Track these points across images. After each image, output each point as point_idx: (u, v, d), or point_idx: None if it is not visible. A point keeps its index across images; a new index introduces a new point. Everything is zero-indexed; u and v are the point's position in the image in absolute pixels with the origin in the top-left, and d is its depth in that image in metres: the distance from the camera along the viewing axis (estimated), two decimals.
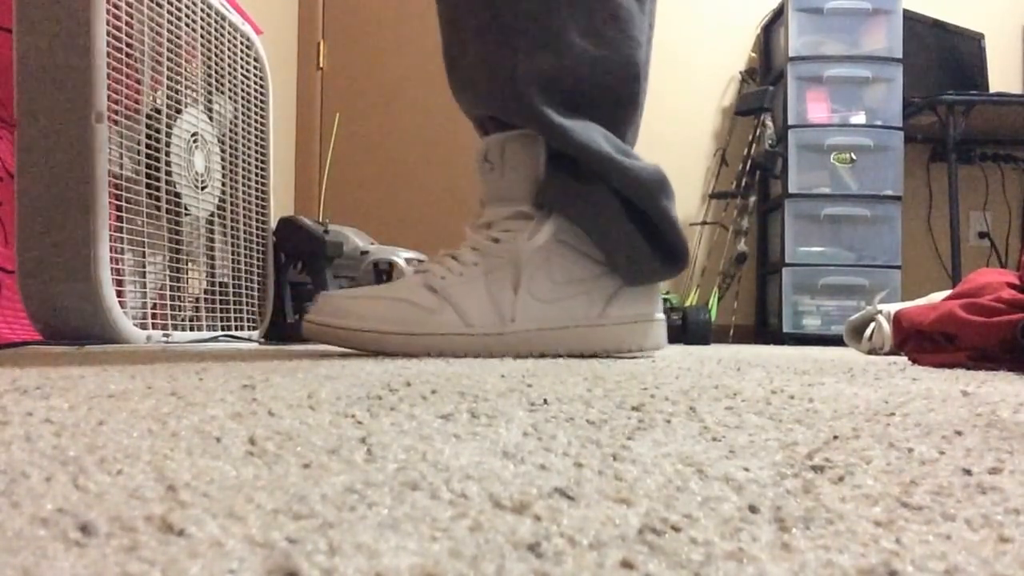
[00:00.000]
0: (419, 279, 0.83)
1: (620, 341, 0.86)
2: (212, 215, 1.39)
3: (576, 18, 0.82)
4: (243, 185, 1.50)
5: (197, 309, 1.35)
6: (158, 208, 1.22)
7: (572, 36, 0.82)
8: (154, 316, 1.22)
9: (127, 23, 1.14)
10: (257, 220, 1.56)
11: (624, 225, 0.83)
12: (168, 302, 1.25)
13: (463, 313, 0.81)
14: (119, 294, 1.11)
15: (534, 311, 0.83)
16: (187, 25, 1.31)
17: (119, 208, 1.12)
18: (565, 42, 0.81)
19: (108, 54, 1.09)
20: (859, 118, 2.71)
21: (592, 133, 0.82)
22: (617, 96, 0.86)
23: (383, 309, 0.80)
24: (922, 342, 0.95)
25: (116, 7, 1.11)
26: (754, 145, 2.83)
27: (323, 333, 0.81)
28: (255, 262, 1.54)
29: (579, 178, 0.83)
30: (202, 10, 1.35)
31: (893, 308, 1.22)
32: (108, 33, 1.09)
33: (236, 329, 1.45)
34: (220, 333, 1.38)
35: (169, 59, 1.25)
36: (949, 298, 0.97)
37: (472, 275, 0.82)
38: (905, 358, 1.00)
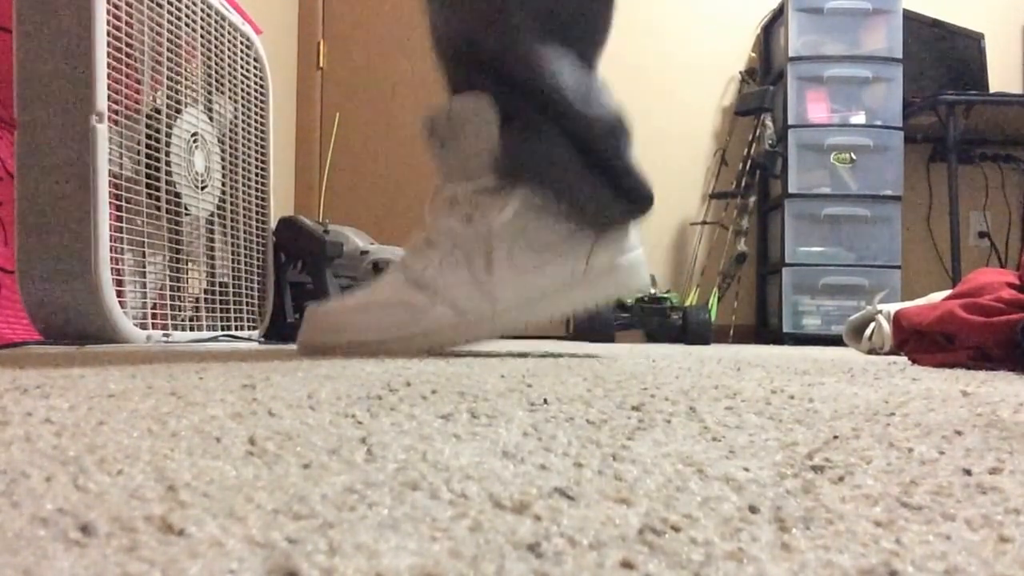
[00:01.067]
0: (401, 277, 0.81)
1: (607, 289, 0.85)
2: (212, 215, 1.39)
3: None
4: (243, 185, 1.50)
5: (197, 309, 1.35)
6: (158, 208, 1.22)
7: None
8: (154, 316, 1.22)
9: (127, 23, 1.14)
10: (257, 220, 1.56)
11: (587, 176, 0.81)
12: (168, 302, 1.25)
13: (454, 303, 0.80)
14: (119, 294, 1.11)
15: (520, 283, 0.82)
16: (187, 25, 1.31)
17: (119, 208, 1.12)
18: None
19: (108, 54, 1.09)
20: (859, 118, 2.72)
21: (562, 65, 0.79)
22: (593, 17, 0.83)
23: (377, 317, 0.79)
24: (922, 342, 0.95)
25: (116, 7, 1.11)
26: (754, 145, 2.83)
27: (322, 351, 0.79)
28: (255, 262, 1.54)
29: (532, 133, 0.80)
30: (202, 10, 1.35)
31: (893, 308, 1.22)
32: (108, 33, 1.09)
33: (236, 329, 1.45)
34: (220, 333, 1.38)
35: (169, 59, 1.25)
36: (949, 298, 0.97)
37: (452, 262, 0.81)
38: (905, 358, 1.00)
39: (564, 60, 0.80)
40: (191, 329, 1.31)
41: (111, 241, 1.09)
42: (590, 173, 0.81)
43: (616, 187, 0.83)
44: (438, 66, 0.85)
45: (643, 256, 0.88)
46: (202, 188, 1.34)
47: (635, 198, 0.84)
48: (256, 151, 1.56)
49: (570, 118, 0.79)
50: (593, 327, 2.40)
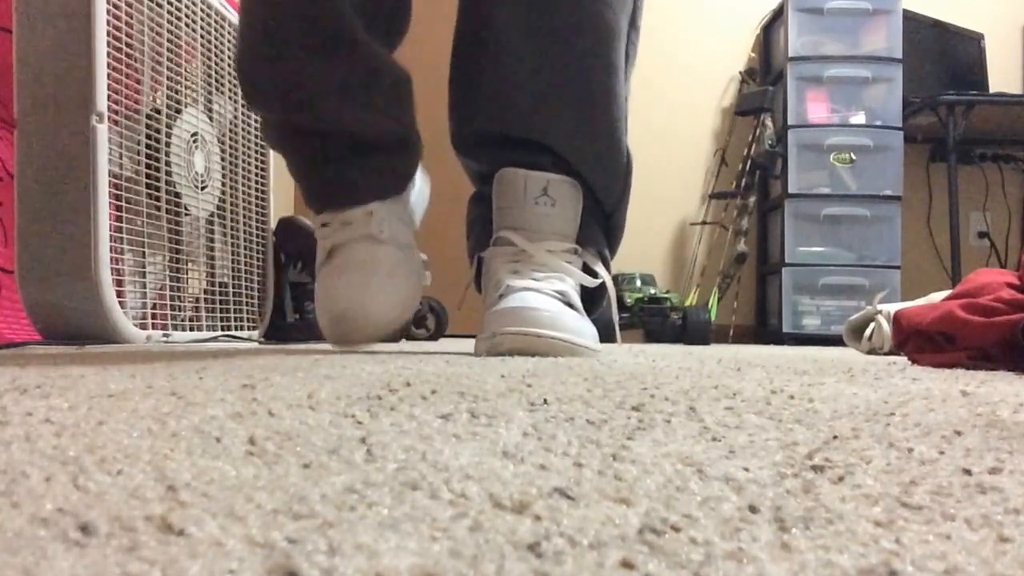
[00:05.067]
0: (559, 298, 0.87)
1: None
2: (212, 215, 1.39)
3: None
4: (243, 185, 1.50)
5: (197, 309, 1.35)
6: (158, 208, 1.22)
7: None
8: (154, 316, 1.22)
9: (127, 23, 1.14)
10: (257, 220, 1.56)
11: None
12: (168, 302, 1.25)
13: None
14: (119, 294, 1.11)
15: None
16: (187, 25, 1.31)
17: (119, 208, 1.12)
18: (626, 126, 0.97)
19: (108, 54, 1.09)
20: (859, 118, 2.72)
21: None
22: None
23: (590, 327, 0.88)
24: (922, 342, 0.95)
25: (116, 7, 1.11)
26: (754, 145, 2.83)
27: (531, 350, 0.81)
28: (255, 262, 1.54)
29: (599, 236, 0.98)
30: (202, 10, 1.35)
31: (893, 308, 1.22)
32: (108, 33, 1.09)
33: (236, 329, 1.45)
34: (220, 333, 1.38)
35: (169, 59, 1.25)
36: (949, 298, 0.97)
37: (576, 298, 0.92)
38: (905, 358, 1.00)
39: None
40: (191, 329, 1.31)
41: (111, 241, 1.09)
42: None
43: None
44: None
45: None
46: (202, 188, 1.34)
47: None
48: (256, 151, 1.56)
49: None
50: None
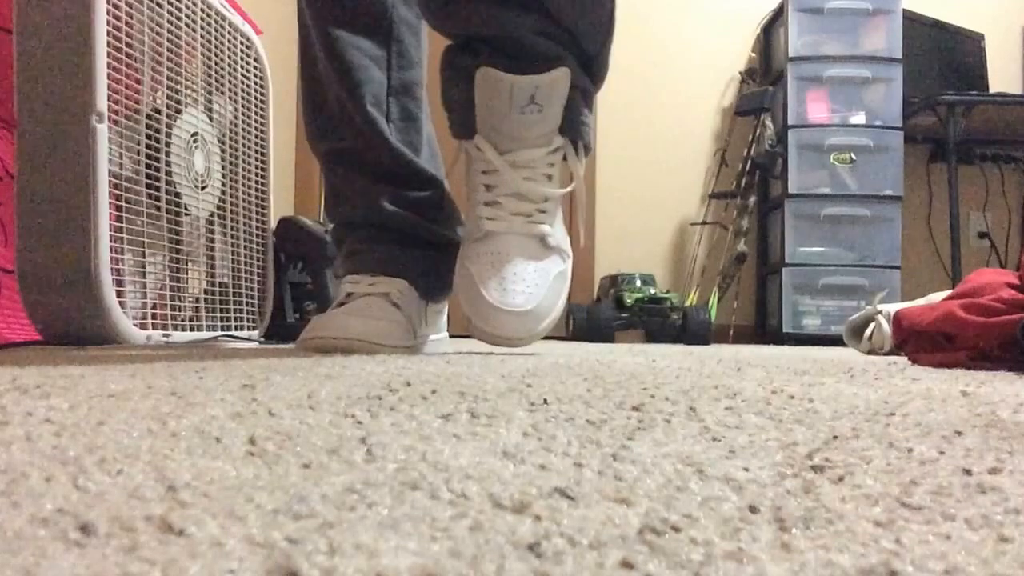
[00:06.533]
0: (541, 246, 0.87)
1: None
2: (212, 215, 1.39)
3: None
4: (243, 185, 1.50)
5: (197, 309, 1.35)
6: (158, 208, 1.22)
7: None
8: (154, 316, 1.22)
9: (127, 23, 1.14)
10: (257, 220, 1.56)
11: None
12: (168, 302, 1.25)
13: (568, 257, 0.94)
14: (119, 294, 1.10)
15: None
16: (187, 25, 1.31)
17: (119, 208, 1.12)
18: None
19: (108, 54, 1.09)
20: (859, 118, 2.72)
21: None
22: None
23: (561, 290, 0.90)
24: (922, 342, 0.95)
25: (116, 7, 1.11)
26: (754, 145, 2.83)
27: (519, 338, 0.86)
28: (255, 262, 1.54)
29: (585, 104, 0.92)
30: (202, 10, 1.35)
31: (893, 308, 1.22)
32: (108, 33, 1.09)
33: (236, 329, 1.45)
34: (220, 333, 1.38)
35: (169, 59, 1.25)
36: (949, 298, 0.97)
37: (559, 223, 0.91)
38: (905, 358, 1.00)
39: None
40: (191, 329, 1.31)
41: (111, 241, 1.09)
42: None
43: None
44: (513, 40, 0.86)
45: None
46: (202, 188, 1.34)
47: None
48: (256, 151, 1.56)
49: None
50: (593, 327, 2.40)
